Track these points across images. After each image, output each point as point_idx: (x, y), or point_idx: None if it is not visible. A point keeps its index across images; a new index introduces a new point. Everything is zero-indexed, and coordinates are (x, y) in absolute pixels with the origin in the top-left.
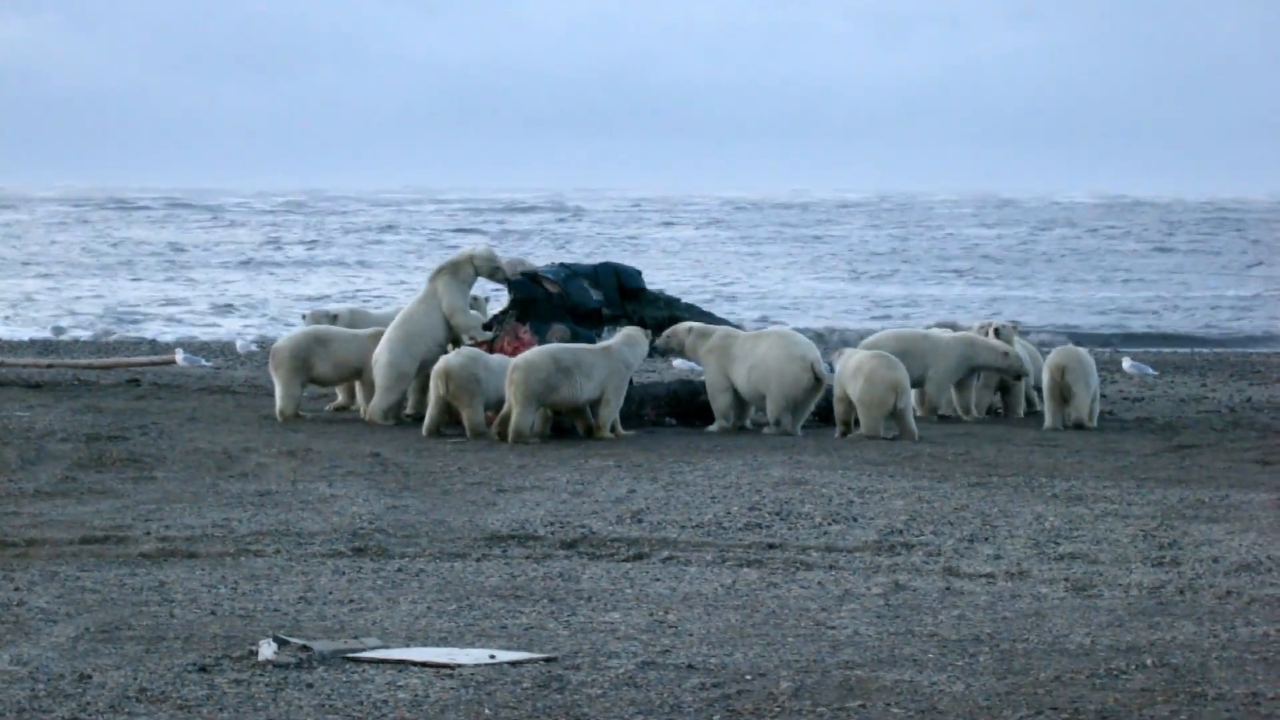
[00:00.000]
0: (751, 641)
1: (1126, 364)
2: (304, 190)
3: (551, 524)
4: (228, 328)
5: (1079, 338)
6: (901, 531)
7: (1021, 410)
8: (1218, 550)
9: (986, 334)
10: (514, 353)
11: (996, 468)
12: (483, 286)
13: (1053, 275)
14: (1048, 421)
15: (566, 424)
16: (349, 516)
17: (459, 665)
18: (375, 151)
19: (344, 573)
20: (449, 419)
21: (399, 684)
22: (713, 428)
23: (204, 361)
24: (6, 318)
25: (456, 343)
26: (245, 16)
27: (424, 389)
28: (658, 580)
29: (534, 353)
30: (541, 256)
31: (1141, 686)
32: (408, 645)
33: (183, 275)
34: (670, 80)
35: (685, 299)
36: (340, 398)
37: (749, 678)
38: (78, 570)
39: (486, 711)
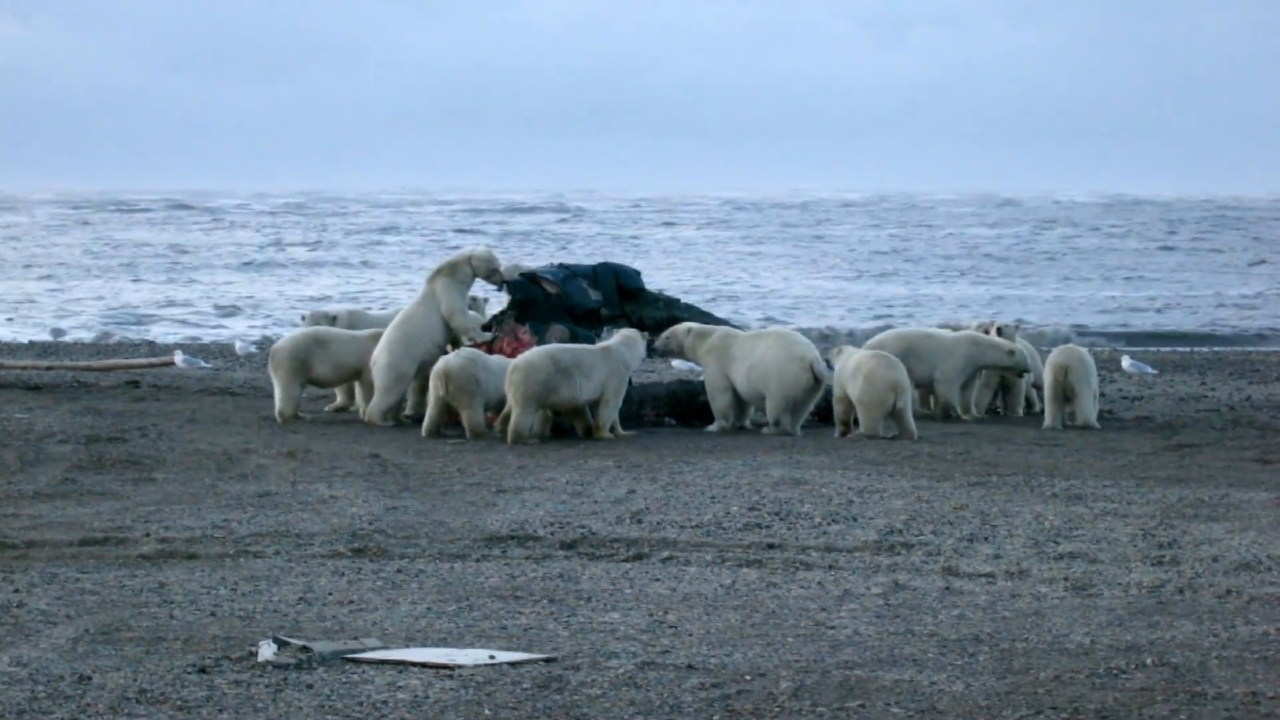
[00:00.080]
0: (751, 641)
1: (1126, 363)
2: (303, 191)
3: (551, 524)
4: (230, 329)
5: (1085, 337)
6: (901, 531)
7: (1021, 409)
8: (1217, 549)
9: (988, 333)
10: (513, 353)
11: (996, 467)
12: (483, 287)
13: (1055, 274)
14: (1047, 421)
15: (566, 424)
16: (348, 517)
17: (459, 666)
18: (375, 152)
19: (344, 574)
20: (448, 420)
21: (399, 685)
22: (712, 428)
23: (203, 363)
24: (11, 319)
25: (456, 344)
26: (244, 18)
27: (423, 390)
28: (657, 580)
29: (533, 353)
30: (541, 257)
31: (1141, 686)
32: (407, 646)
33: (183, 277)
34: (670, 80)
35: (686, 299)
36: (339, 399)
37: (749, 678)
38: (77, 572)
39: (486, 712)
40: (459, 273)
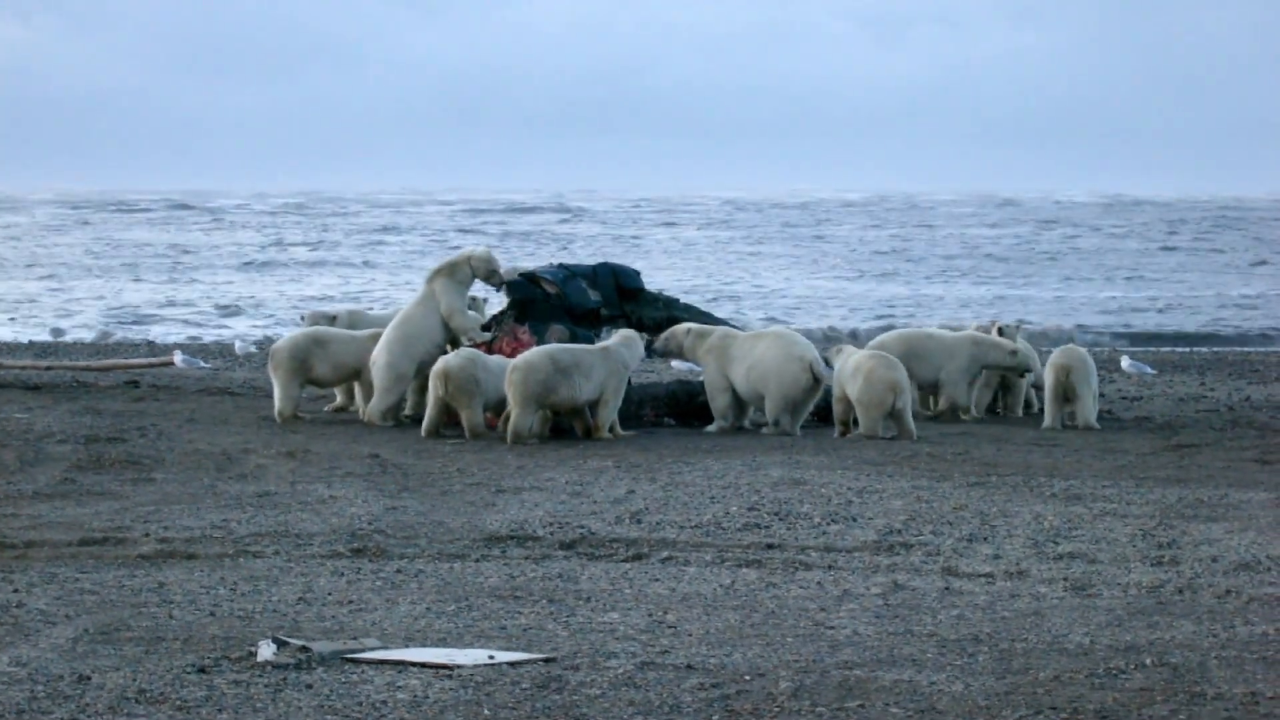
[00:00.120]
0: (750, 642)
1: (1125, 363)
2: (303, 192)
3: (550, 524)
4: (231, 329)
5: (1087, 335)
6: (900, 531)
7: (1021, 409)
8: (1216, 549)
9: (989, 333)
10: (513, 354)
11: (995, 467)
12: (482, 286)
13: (1056, 275)
14: (1047, 421)
15: (565, 425)
16: (348, 517)
17: (458, 666)
18: (374, 153)
19: (343, 574)
20: (448, 420)
21: (398, 685)
22: (711, 428)
23: (202, 363)
24: (13, 318)
25: (455, 344)
26: (243, 18)
27: (423, 390)
28: (657, 580)
29: (533, 353)
30: (542, 257)
31: (1140, 686)
32: (407, 646)
33: (184, 277)
34: (670, 80)
35: (688, 299)
36: (339, 399)
37: (748, 678)
38: (76, 572)
39: (485, 712)
40: (458, 273)
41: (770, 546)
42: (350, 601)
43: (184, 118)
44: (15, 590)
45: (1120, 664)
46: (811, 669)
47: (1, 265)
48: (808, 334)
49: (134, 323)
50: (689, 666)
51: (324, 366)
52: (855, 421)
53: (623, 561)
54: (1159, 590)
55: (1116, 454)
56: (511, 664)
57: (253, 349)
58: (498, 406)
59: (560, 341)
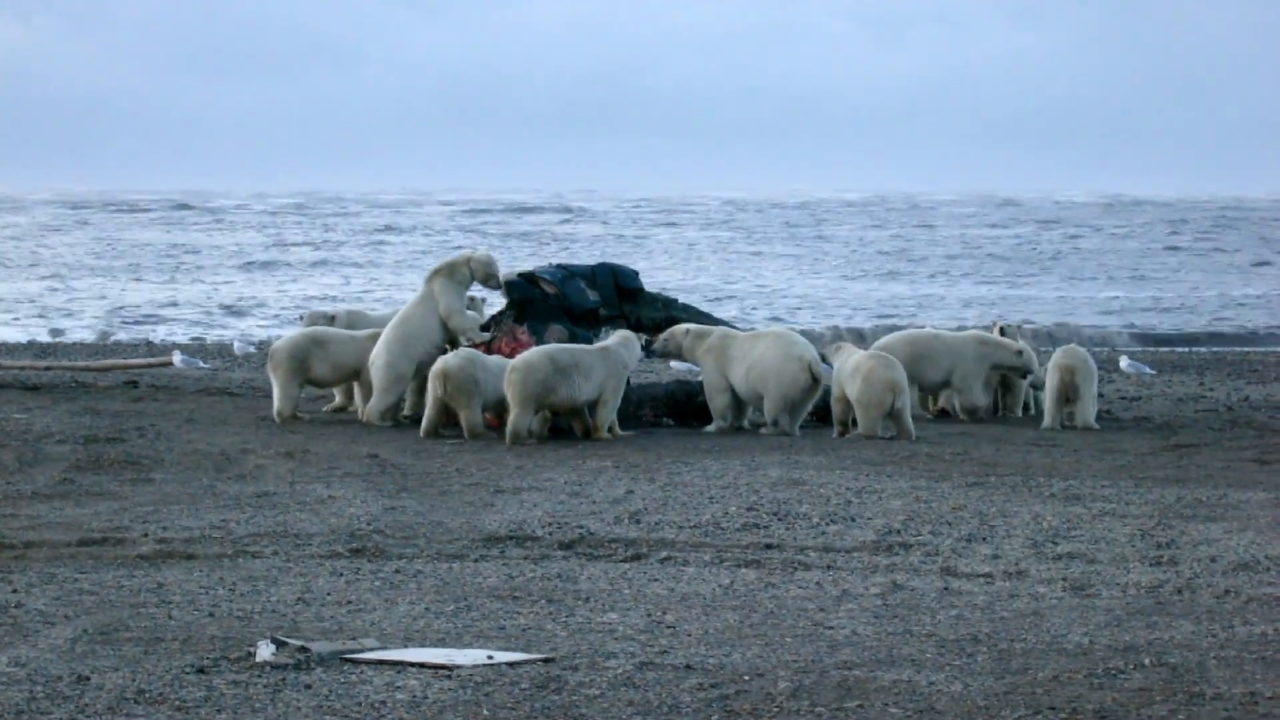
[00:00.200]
0: (749, 642)
1: (1124, 363)
2: (303, 191)
3: (549, 525)
4: (233, 329)
5: (1093, 335)
6: (899, 531)
7: (1021, 409)
8: (1215, 549)
9: (990, 333)
10: (512, 354)
11: (994, 467)
12: (480, 287)
13: (1059, 275)
14: (1046, 421)
15: (564, 425)
16: (347, 518)
17: (457, 666)
18: (374, 153)
19: (342, 574)
20: (447, 420)
21: (397, 685)
22: (710, 428)
23: (201, 363)
24: (17, 317)
25: (454, 344)
26: (243, 18)
27: (422, 390)
28: (656, 581)
29: (532, 354)
30: (543, 257)
31: (1139, 686)
32: (406, 646)
33: (184, 277)
34: (670, 80)
35: (690, 300)
36: (338, 399)
37: (747, 678)
38: (75, 572)
39: (485, 712)
40: (457, 273)
41: (769, 546)
42: (349, 602)
43: (184, 118)
44: (14, 591)
45: (1119, 664)
46: (810, 669)
47: (2, 265)
48: (810, 334)
49: (135, 323)
50: (688, 667)
51: (323, 367)
52: (854, 421)
53: (622, 562)
54: (1158, 590)
55: (1115, 454)
56: (510, 664)
57: (251, 349)
58: (497, 407)
59: (559, 342)
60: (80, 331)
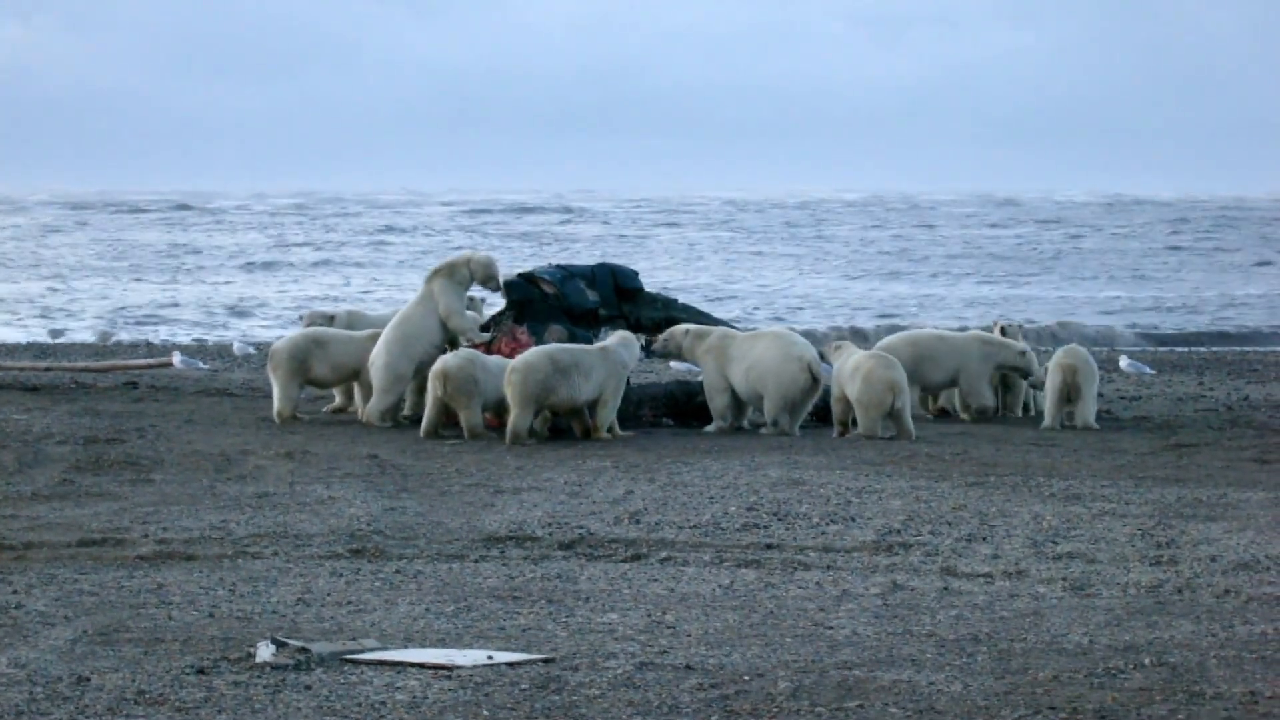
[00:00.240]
0: (749, 642)
1: (1124, 363)
2: (303, 191)
3: (549, 525)
4: (238, 330)
5: (1096, 336)
6: (899, 531)
7: (1020, 409)
8: (1215, 549)
9: (992, 333)
10: (511, 354)
11: (994, 467)
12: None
13: (1061, 275)
14: (1046, 421)
15: (563, 425)
16: (347, 518)
17: (457, 666)
18: (374, 153)
19: (342, 574)
20: (447, 420)
21: (397, 685)
22: (710, 428)
23: (201, 364)
24: (19, 317)
25: (454, 344)
26: (242, 19)
27: (421, 390)
28: (655, 581)
29: (532, 354)
30: (544, 257)
31: (1139, 686)
32: (406, 647)
33: (185, 278)
34: (670, 80)
35: (692, 300)
36: (338, 399)
37: (747, 678)
38: (75, 573)
39: (485, 712)
40: (457, 274)
41: (769, 547)
42: (349, 602)
43: (184, 118)
44: (14, 591)
45: (1119, 664)
46: (810, 669)
47: (2, 265)
48: (813, 334)
49: (136, 323)
50: (688, 667)
51: (323, 367)
52: (854, 421)
53: (621, 562)
54: (1158, 590)
55: (1115, 454)
56: (510, 664)
57: (251, 350)
58: (497, 407)
59: (559, 342)
60: (81, 332)
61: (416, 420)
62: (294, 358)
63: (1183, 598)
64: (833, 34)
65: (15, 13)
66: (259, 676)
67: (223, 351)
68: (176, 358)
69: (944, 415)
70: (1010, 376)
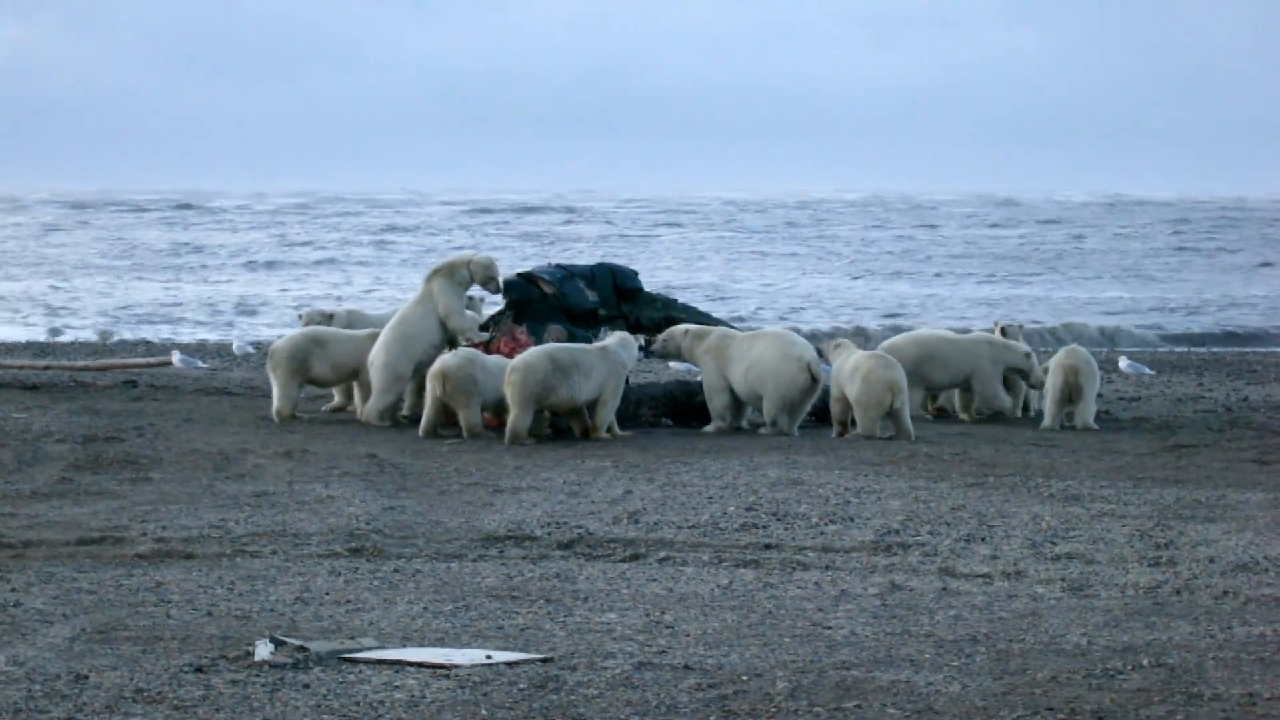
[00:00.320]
0: (748, 642)
1: (1123, 363)
2: (303, 191)
3: (548, 525)
4: (239, 329)
5: (1111, 337)
6: (898, 532)
7: (1020, 410)
8: (1214, 550)
9: (993, 333)
10: (511, 354)
11: (993, 468)
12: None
13: (1063, 275)
14: (1046, 421)
15: (563, 425)
16: (346, 517)
17: (455, 666)
18: (374, 153)
19: (340, 573)
20: (446, 420)
21: (395, 684)
22: (709, 428)
23: (200, 363)
24: (25, 316)
25: (453, 344)
26: (242, 18)
27: (421, 390)
28: (654, 581)
29: (532, 353)
30: (546, 257)
31: (1138, 687)
32: (404, 646)
33: (189, 276)
34: (670, 80)
35: (695, 300)
36: (337, 399)
37: (745, 678)
38: (74, 571)
39: (483, 712)
40: (457, 274)
41: (768, 547)
42: (347, 601)
43: (184, 118)
44: (13, 590)
45: (1117, 665)
46: (809, 669)
47: (2, 264)
48: (818, 334)
49: (138, 323)
50: (686, 667)
51: (323, 366)
52: (853, 422)
53: (620, 562)
54: (1156, 591)
55: (1114, 454)
56: (509, 664)
57: (250, 349)
58: (496, 407)
59: (558, 342)
60: (83, 331)
61: (415, 420)
62: (294, 357)
63: (1181, 599)
64: (833, 34)
65: (15, 12)
66: (257, 675)
67: (222, 350)
68: (175, 356)
69: (943, 415)
70: (1011, 377)
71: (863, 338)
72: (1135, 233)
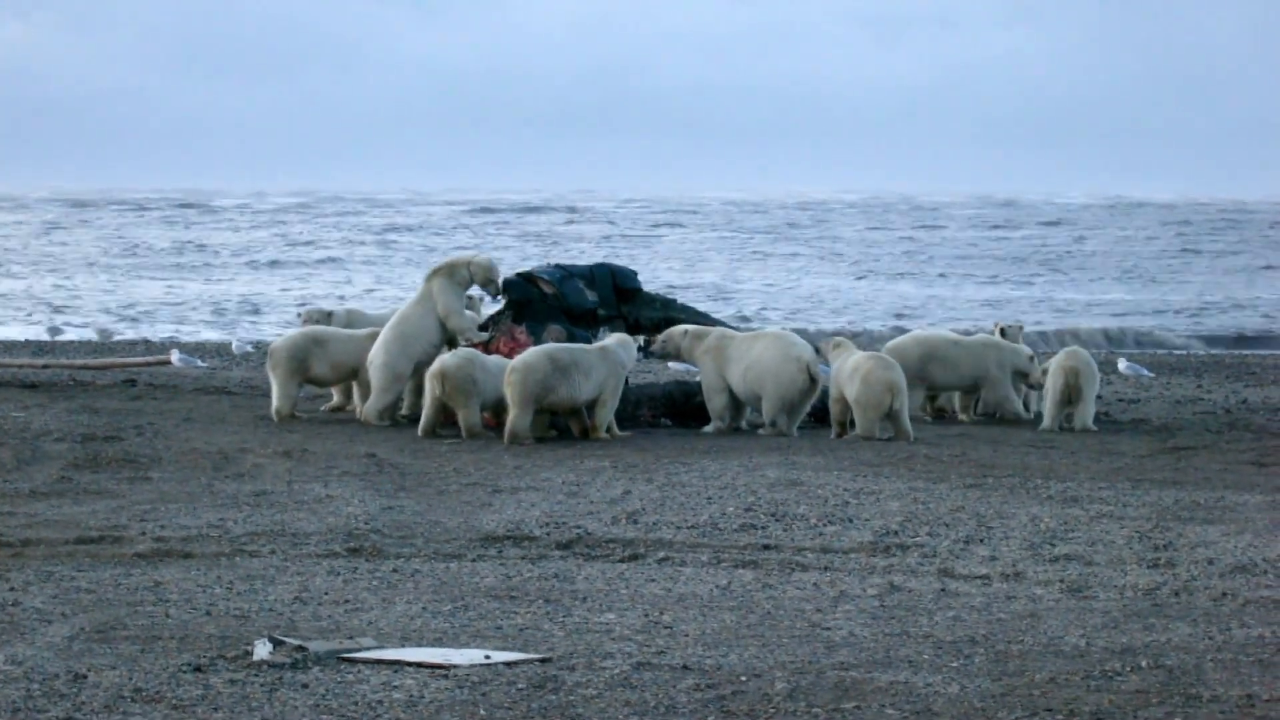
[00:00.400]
0: (746, 642)
1: (1122, 365)
2: (303, 191)
3: (547, 525)
4: (242, 328)
5: (1106, 338)
6: (897, 533)
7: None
8: (1213, 552)
9: (993, 335)
10: (510, 354)
11: (992, 469)
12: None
13: (1065, 275)
14: (1046, 423)
15: (562, 425)
16: (344, 517)
17: (454, 666)
18: (374, 153)
19: (339, 573)
20: (445, 420)
21: (394, 684)
22: (708, 428)
23: (199, 362)
24: (29, 314)
25: (452, 344)
26: (242, 18)
27: (420, 390)
28: (653, 581)
29: (531, 353)
30: (550, 257)
31: (1136, 688)
32: (403, 645)
33: (192, 275)
34: (670, 80)
35: (695, 301)
36: (336, 398)
37: (744, 679)
38: (73, 570)
39: (482, 712)
40: (457, 274)
41: (766, 547)
42: (346, 601)
43: (185, 117)
44: (12, 589)
45: (1116, 666)
46: (807, 670)
47: (2, 264)
48: (821, 335)
49: (138, 321)
50: (685, 667)
51: (322, 366)
52: (852, 422)
53: (619, 562)
54: (1155, 592)
55: (1113, 456)
56: (507, 664)
57: (249, 348)
58: (495, 407)
59: (557, 342)
60: (84, 330)
61: (414, 419)
62: (293, 356)
63: (1180, 600)
64: (833, 34)
65: (15, 12)
66: (256, 675)
67: (221, 349)
68: (175, 356)
69: (942, 416)
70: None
71: (869, 340)
72: (1137, 235)
